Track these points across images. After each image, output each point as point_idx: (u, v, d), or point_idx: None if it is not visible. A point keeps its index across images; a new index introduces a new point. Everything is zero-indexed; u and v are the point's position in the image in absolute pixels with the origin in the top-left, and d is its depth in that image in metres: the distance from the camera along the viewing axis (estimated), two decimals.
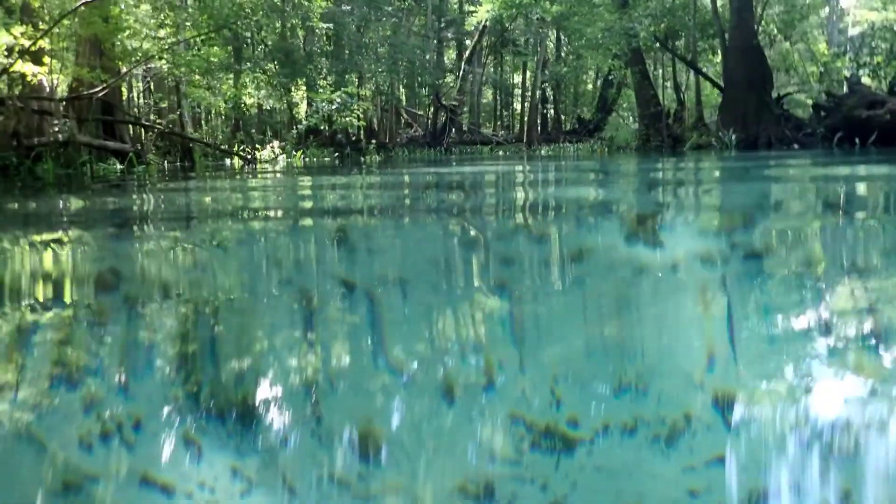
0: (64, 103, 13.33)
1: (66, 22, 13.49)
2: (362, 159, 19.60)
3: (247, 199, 7.24)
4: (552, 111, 36.73)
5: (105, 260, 3.77)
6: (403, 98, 34.93)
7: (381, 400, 1.84)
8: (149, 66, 16.51)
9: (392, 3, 30.73)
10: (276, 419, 1.74)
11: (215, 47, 16.87)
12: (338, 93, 23.32)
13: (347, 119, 24.60)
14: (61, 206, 6.83)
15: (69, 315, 2.67)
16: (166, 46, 15.50)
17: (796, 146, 16.93)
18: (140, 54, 15.51)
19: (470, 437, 1.59)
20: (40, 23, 13.34)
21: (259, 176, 10.78)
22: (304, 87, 25.69)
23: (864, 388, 1.81)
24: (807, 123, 18.19)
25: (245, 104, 21.72)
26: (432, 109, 32.34)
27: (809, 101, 23.15)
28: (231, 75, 20.18)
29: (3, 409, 1.78)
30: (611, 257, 3.51)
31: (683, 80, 24.77)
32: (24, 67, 12.19)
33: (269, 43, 24.74)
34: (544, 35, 32.96)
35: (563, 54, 36.41)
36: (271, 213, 5.95)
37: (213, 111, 22.52)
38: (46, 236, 4.65)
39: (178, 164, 16.72)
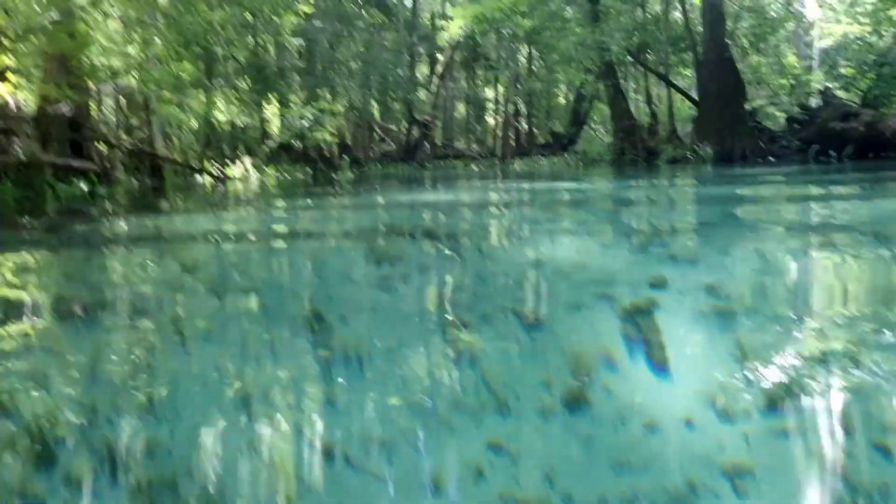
0: (29, 122, 12.96)
1: (32, 39, 13.13)
2: (334, 176, 19.36)
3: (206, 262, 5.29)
4: (525, 125, 36.74)
5: None
6: (377, 113, 34.75)
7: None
8: (118, 82, 16.14)
9: (364, 19, 30.62)
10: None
11: (186, 63, 16.57)
12: (308, 107, 23.09)
13: (320, 135, 24.38)
14: None
15: None
16: (135, 63, 15.16)
17: (772, 159, 16.99)
18: (108, 71, 15.17)
19: None
20: (3, 39, 12.97)
21: (228, 207, 10.24)
22: (276, 104, 25.41)
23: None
24: (781, 136, 18.28)
25: (217, 120, 21.37)
26: (406, 124, 32.20)
27: (779, 114, 23.34)
28: (202, 91, 19.84)
29: None
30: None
31: (655, 93, 24.85)
32: None
33: (241, 59, 24.46)
34: (516, 49, 33.03)
35: (534, 69, 36.52)
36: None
37: (183, 127, 22.14)
38: None
39: (149, 181, 16.36)
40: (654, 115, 22.48)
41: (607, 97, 23.27)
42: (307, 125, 23.24)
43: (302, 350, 2.55)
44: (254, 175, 20.00)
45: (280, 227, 6.75)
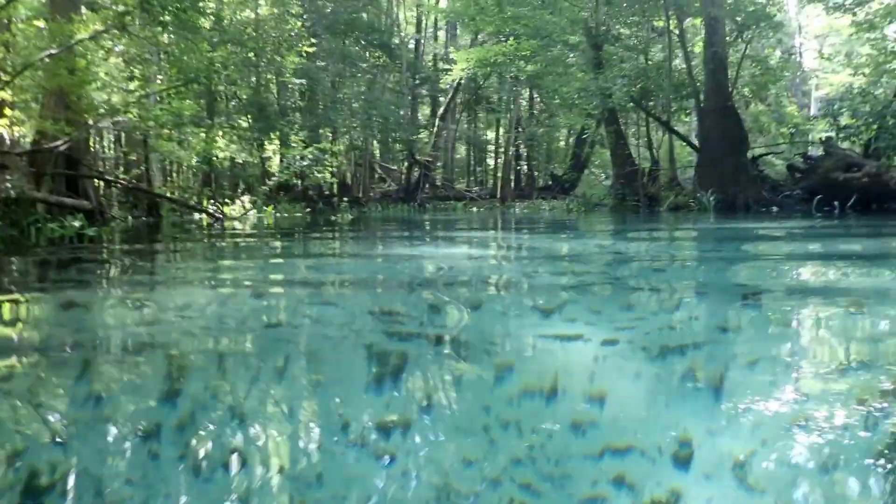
0: (24, 157, 12.79)
1: (29, 74, 13.05)
2: (333, 218, 19.18)
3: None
4: (525, 167, 36.78)
5: None
6: (377, 153, 34.80)
7: None
8: (116, 119, 16.05)
9: (367, 60, 30.79)
10: None
11: (187, 101, 16.51)
12: (310, 149, 23.05)
13: (320, 175, 24.31)
14: None
15: None
16: (133, 100, 15.08)
17: (775, 209, 16.82)
18: (107, 107, 15.08)
19: None
20: (2, 74, 12.88)
21: (226, 249, 9.95)
22: (277, 142, 25.40)
23: None
24: (783, 185, 18.13)
25: (217, 158, 21.29)
26: (406, 165, 32.20)
27: (778, 163, 23.28)
28: (203, 129, 19.78)
29: None
30: None
31: (656, 138, 24.83)
32: None
33: (244, 97, 24.49)
34: (518, 93, 33.19)
35: (535, 112, 36.68)
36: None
37: (184, 164, 22.05)
38: None
39: (145, 219, 16.19)
40: (655, 160, 22.40)
41: (609, 142, 23.21)
42: (307, 164, 23.17)
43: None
44: (252, 213, 19.83)
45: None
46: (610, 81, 19.87)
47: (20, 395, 2.62)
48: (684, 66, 20.41)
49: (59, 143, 13.07)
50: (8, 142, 12.84)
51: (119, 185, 16.92)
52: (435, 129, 32.80)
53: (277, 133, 24.51)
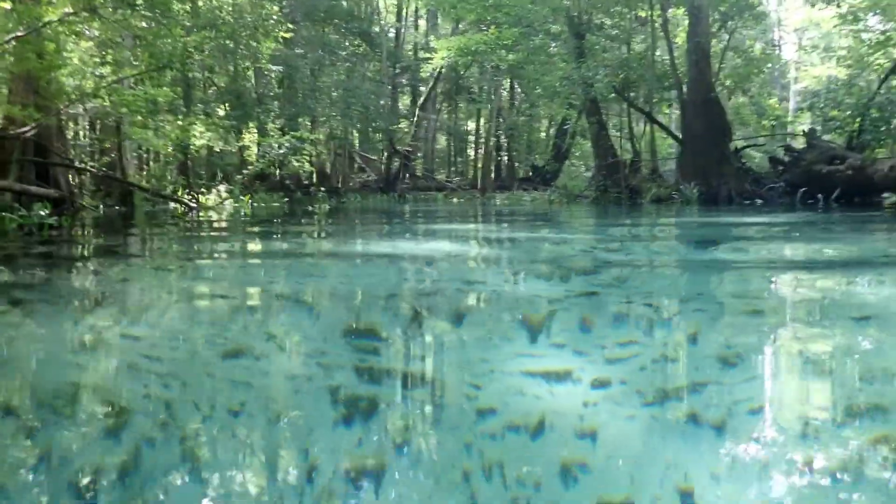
0: None
1: None
2: (310, 208, 18.81)
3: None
4: (506, 158, 36.56)
5: None
6: (357, 143, 34.40)
7: None
8: (88, 105, 15.58)
9: (346, 48, 30.38)
10: None
11: (163, 88, 16.05)
12: (287, 137, 22.66)
13: (298, 164, 23.92)
14: None
15: None
16: (104, 85, 14.61)
17: (759, 201, 16.72)
18: (77, 93, 14.63)
19: None
20: None
21: (194, 245, 9.45)
22: (255, 130, 24.97)
23: None
24: (766, 177, 18.04)
25: (194, 146, 20.81)
26: (386, 155, 31.85)
27: (758, 156, 23.25)
28: (179, 117, 19.30)
29: None
30: None
31: (637, 130, 24.68)
32: None
33: (222, 84, 24.01)
34: (499, 83, 32.90)
35: (516, 102, 36.43)
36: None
37: (159, 152, 21.52)
38: None
39: (118, 208, 15.74)
40: (636, 152, 22.25)
41: (591, 133, 23.02)
42: (284, 153, 22.78)
43: None
44: (228, 203, 19.40)
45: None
46: (592, 71, 19.65)
47: None
48: (667, 56, 20.24)
49: (26, 129, 12.62)
50: None
51: (90, 173, 16.46)
52: (415, 118, 32.47)
53: (255, 122, 24.07)
